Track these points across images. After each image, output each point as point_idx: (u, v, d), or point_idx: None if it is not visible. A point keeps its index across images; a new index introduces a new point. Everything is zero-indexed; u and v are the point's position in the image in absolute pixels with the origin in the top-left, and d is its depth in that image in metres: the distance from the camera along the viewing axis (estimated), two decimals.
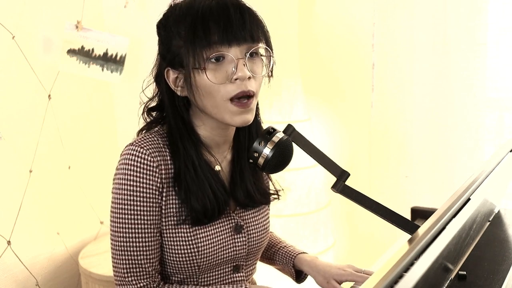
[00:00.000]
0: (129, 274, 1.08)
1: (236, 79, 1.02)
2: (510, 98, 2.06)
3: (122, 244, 1.07)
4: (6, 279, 1.62)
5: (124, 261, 1.07)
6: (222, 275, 1.17)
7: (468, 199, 0.94)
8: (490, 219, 1.36)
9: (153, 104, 1.16)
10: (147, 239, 1.08)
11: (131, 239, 1.07)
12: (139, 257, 1.07)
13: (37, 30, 1.73)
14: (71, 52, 1.76)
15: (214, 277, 1.15)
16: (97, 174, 2.00)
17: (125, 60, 1.83)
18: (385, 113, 2.33)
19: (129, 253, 1.07)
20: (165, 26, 1.09)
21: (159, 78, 1.12)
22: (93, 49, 1.79)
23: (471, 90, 2.07)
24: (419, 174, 2.26)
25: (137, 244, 1.07)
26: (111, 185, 1.10)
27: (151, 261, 1.09)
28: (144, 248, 1.07)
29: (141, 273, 1.08)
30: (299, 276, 1.31)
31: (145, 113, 1.16)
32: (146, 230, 1.07)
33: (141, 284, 1.08)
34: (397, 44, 2.25)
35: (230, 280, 1.18)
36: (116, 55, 1.82)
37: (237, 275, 1.19)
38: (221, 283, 1.17)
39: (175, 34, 1.05)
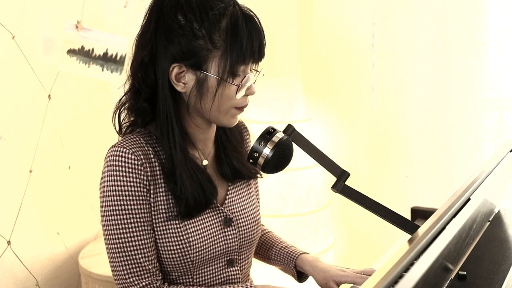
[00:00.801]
0: (130, 275, 1.07)
1: (247, 95, 1.10)
2: (510, 98, 2.07)
3: (117, 245, 1.07)
4: (6, 279, 1.62)
5: (122, 262, 1.07)
6: (216, 270, 1.17)
7: (468, 199, 0.94)
8: (490, 219, 1.36)
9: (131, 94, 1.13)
10: (141, 237, 1.08)
11: (126, 239, 1.07)
12: (136, 256, 1.07)
13: (37, 30, 1.73)
14: (71, 52, 1.75)
15: (209, 273, 1.16)
16: (97, 174, 1.97)
17: (125, 60, 1.83)
18: (385, 113, 2.33)
19: (126, 253, 1.07)
20: (186, 17, 1.04)
21: (152, 67, 1.08)
22: (93, 49, 1.79)
23: (471, 90, 2.08)
24: (419, 174, 2.26)
25: (133, 243, 1.07)
26: None
27: (149, 258, 1.09)
28: (140, 246, 1.08)
29: (142, 272, 1.08)
30: (300, 276, 1.31)
31: (132, 108, 1.13)
32: (139, 228, 1.07)
33: (144, 283, 1.08)
34: (397, 44, 2.25)
35: (225, 275, 1.18)
36: (116, 55, 1.82)
37: (231, 269, 1.19)
38: (218, 279, 1.17)
39: (206, 35, 1.03)
